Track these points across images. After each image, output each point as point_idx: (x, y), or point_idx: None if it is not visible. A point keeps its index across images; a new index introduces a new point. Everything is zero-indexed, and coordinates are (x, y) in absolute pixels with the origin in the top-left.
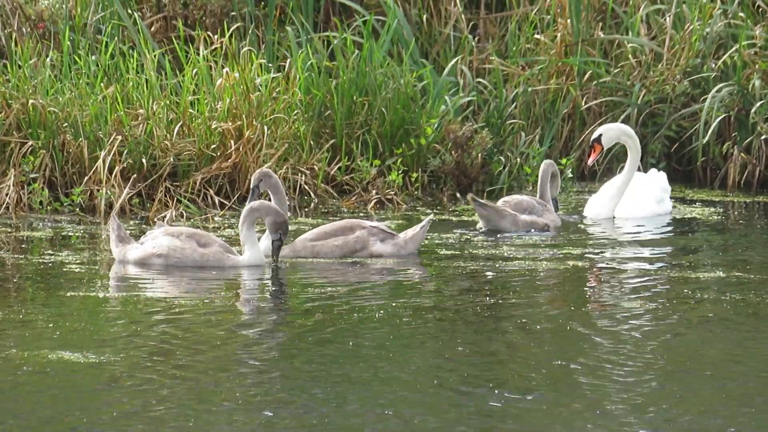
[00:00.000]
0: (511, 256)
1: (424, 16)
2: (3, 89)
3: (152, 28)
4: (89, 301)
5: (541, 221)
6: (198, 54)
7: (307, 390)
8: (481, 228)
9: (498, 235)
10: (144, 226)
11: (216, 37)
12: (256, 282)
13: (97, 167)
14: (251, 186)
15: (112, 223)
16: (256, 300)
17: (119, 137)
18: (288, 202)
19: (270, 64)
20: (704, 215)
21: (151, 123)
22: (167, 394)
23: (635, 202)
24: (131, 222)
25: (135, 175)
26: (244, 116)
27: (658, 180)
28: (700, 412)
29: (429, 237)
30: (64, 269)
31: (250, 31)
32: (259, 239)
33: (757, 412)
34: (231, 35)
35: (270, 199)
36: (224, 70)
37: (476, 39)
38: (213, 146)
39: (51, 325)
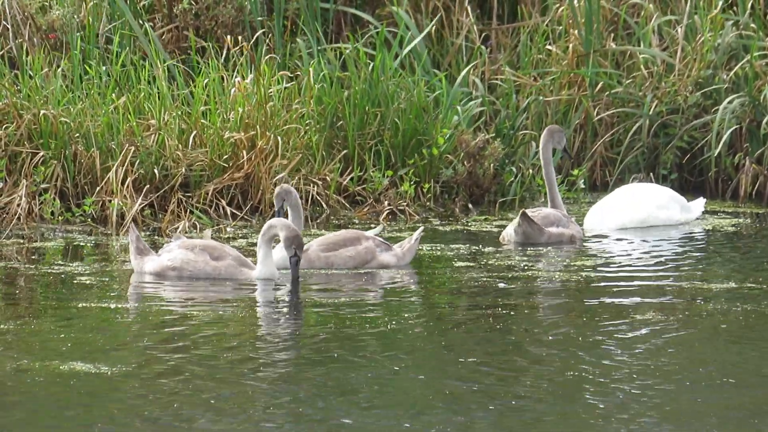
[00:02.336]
0: (522, 267)
1: (435, 27)
2: (14, 99)
3: (163, 38)
4: (100, 312)
5: (568, 233)
6: (210, 64)
7: (319, 402)
8: (506, 239)
9: (509, 247)
10: (156, 237)
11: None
12: (267, 294)
13: (108, 178)
14: (276, 208)
15: (131, 234)
16: (267, 312)
17: (131, 148)
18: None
19: (290, 74)
20: (716, 226)
21: (163, 133)
22: (178, 405)
23: (634, 210)
24: (142, 233)
25: (147, 186)
26: (258, 126)
27: (668, 192)
28: (711, 424)
29: (440, 248)
30: (75, 280)
31: (265, 42)
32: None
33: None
34: (242, 46)
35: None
36: (236, 79)
37: (488, 50)
38: (225, 157)
39: (62, 335)
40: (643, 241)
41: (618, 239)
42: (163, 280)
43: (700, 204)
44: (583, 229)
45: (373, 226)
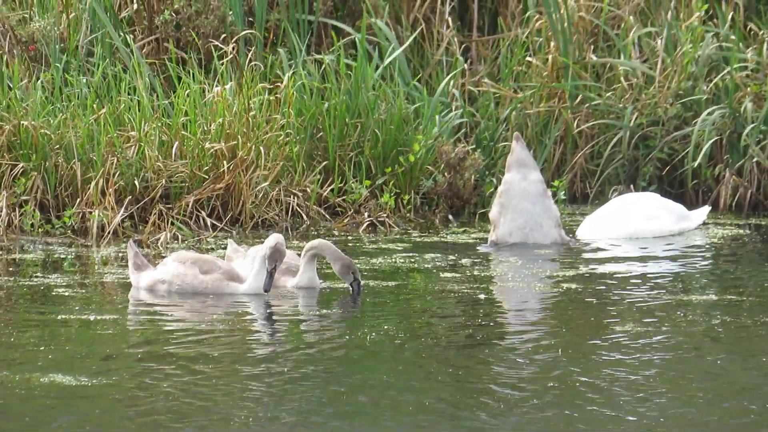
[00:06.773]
0: (503, 277)
1: (416, 39)
2: None
3: (144, 50)
4: (81, 325)
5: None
6: (191, 75)
7: (306, 414)
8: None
9: (489, 258)
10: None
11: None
12: (253, 309)
13: (89, 189)
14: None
15: (129, 251)
16: (251, 326)
17: (112, 159)
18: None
19: (270, 86)
20: (695, 238)
21: (144, 145)
22: (159, 418)
23: (622, 223)
24: (123, 245)
25: (128, 198)
26: (239, 136)
27: (660, 201)
28: None
29: (419, 259)
30: (54, 292)
31: (246, 53)
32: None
33: None
34: (223, 52)
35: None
36: (216, 89)
37: (468, 61)
38: (206, 168)
39: (42, 348)
40: (629, 252)
41: (597, 250)
42: (155, 294)
43: (702, 213)
44: (576, 238)
45: (351, 237)
